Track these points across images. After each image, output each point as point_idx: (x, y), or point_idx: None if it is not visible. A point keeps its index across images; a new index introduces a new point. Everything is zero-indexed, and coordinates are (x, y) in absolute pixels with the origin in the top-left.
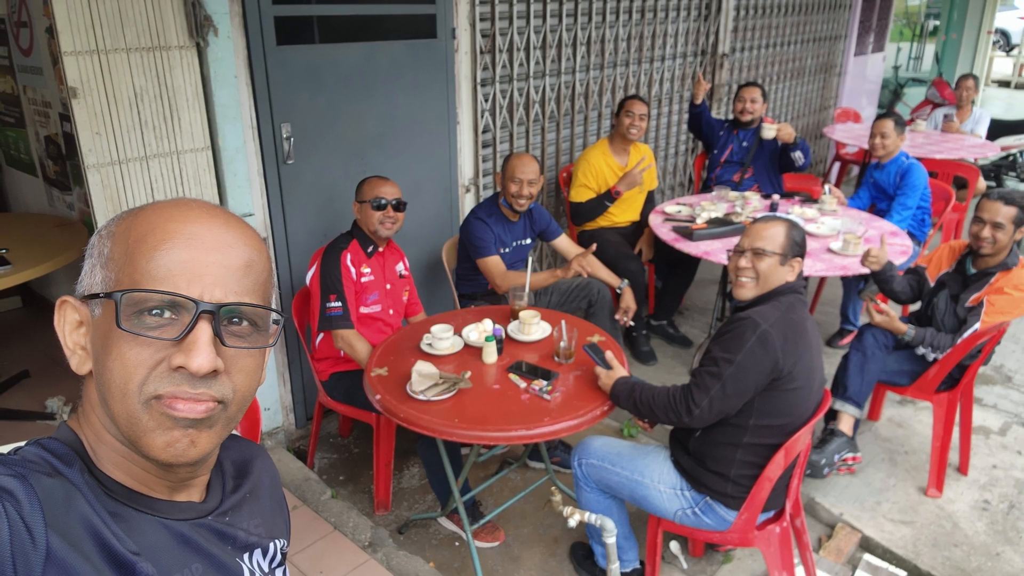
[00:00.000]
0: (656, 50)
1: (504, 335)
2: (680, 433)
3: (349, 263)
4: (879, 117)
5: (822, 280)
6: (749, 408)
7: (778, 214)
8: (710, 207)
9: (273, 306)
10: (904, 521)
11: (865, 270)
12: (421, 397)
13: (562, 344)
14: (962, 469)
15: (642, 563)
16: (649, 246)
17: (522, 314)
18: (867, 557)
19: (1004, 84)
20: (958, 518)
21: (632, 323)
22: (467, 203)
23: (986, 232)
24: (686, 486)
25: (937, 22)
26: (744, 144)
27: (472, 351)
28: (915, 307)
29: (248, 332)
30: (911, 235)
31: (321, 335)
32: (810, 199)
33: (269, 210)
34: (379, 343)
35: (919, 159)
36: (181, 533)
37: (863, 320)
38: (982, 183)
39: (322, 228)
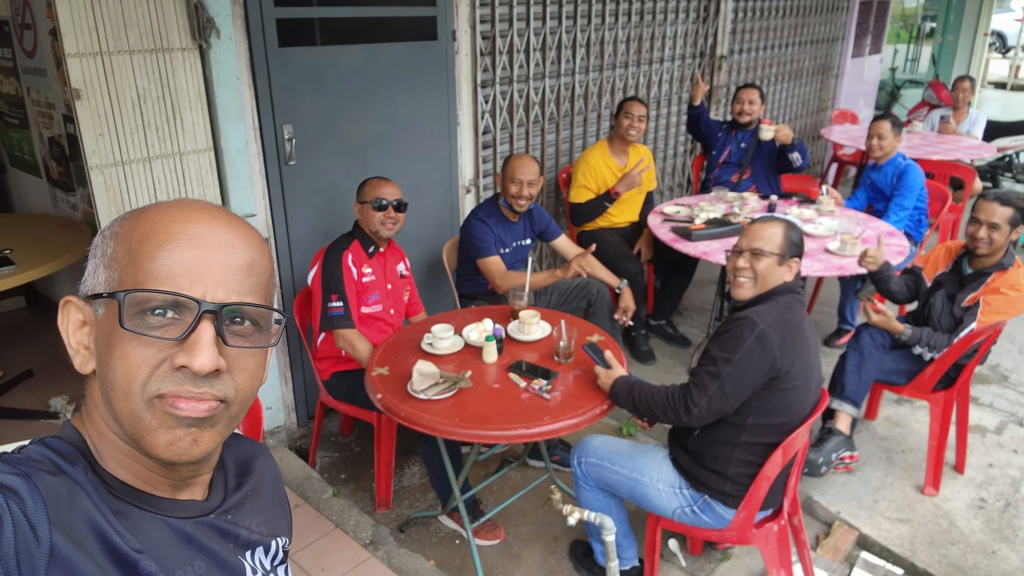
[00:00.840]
0: (655, 52)
1: (504, 335)
2: (679, 432)
3: (350, 263)
4: (876, 118)
5: (820, 280)
6: (747, 407)
7: (776, 215)
8: (708, 208)
9: (275, 306)
10: (901, 519)
11: (862, 270)
12: (422, 396)
13: (562, 344)
14: (958, 468)
15: (641, 561)
16: (648, 246)
17: (522, 314)
18: (864, 555)
19: (1000, 86)
20: (955, 516)
21: (631, 323)
22: (467, 204)
23: (982, 233)
24: (685, 484)
25: (934, 24)
26: (742, 145)
27: (472, 350)
28: (912, 307)
29: (250, 332)
30: (908, 235)
31: (323, 335)
32: (808, 200)
33: (271, 211)
34: (380, 343)
35: (916, 160)
36: (184, 531)
37: (860, 320)
38: (978, 184)
39: (323, 228)
